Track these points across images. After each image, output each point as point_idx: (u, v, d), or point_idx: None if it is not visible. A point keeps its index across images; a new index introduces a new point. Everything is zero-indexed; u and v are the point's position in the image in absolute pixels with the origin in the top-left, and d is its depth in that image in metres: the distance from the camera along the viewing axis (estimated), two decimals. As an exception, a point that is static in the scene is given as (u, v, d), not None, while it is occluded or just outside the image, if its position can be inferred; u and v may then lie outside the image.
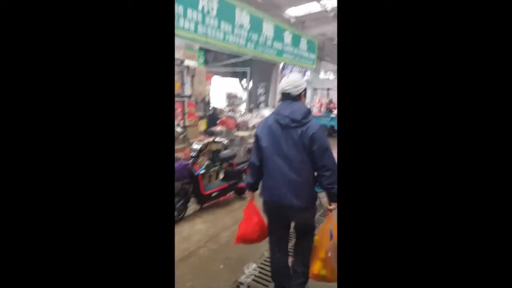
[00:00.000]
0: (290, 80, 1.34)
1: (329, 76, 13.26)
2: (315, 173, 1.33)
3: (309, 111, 1.33)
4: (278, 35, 4.77)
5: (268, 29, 4.41)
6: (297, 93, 1.34)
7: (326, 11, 8.21)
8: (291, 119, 1.28)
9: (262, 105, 7.73)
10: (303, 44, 5.46)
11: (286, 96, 1.34)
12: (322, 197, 1.41)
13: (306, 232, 1.48)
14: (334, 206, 1.32)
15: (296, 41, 5.19)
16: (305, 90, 1.38)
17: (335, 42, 10.69)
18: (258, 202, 1.53)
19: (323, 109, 8.96)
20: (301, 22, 7.62)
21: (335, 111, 8.37)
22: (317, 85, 10.60)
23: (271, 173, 1.35)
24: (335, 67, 15.69)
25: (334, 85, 11.05)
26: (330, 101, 9.38)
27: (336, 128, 7.80)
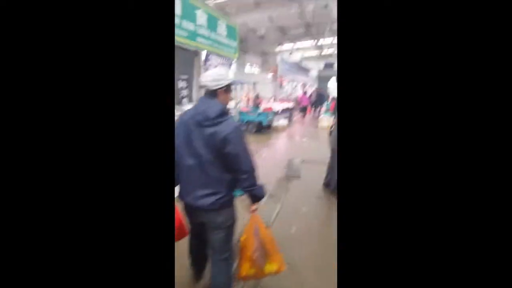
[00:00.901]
0: (211, 73, 1.25)
1: (254, 69, 12.94)
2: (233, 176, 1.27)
3: (224, 110, 1.22)
4: (189, 13, 3.89)
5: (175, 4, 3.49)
6: (214, 88, 1.23)
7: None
8: (204, 117, 1.19)
9: (185, 100, 6.82)
10: (222, 28, 4.70)
11: (206, 91, 1.26)
12: (244, 199, 1.38)
13: (221, 241, 1.37)
14: (256, 207, 1.35)
15: (212, 23, 4.37)
16: (227, 86, 1.26)
17: (258, 33, 10.40)
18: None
19: (250, 104, 8.49)
20: (220, 9, 6.89)
21: (262, 106, 8.00)
22: (243, 79, 10.10)
23: (183, 173, 1.27)
24: (259, 60, 15.74)
25: (260, 79, 10.81)
26: (257, 96, 9.00)
27: (264, 124, 7.44)
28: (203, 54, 5.59)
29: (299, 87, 14.37)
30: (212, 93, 1.22)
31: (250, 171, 1.23)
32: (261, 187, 1.30)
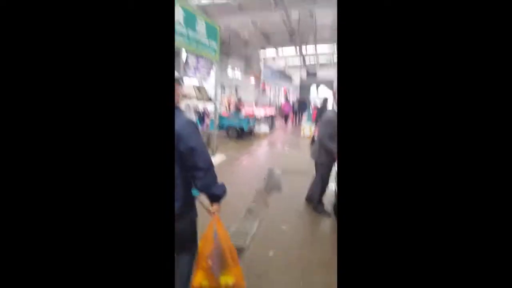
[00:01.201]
0: None
1: (237, 73, 12.69)
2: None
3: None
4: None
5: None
6: None
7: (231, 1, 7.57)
8: None
9: None
10: (201, 27, 4.40)
11: None
12: (202, 200, 1.28)
13: (184, 247, 1.27)
14: (216, 207, 1.24)
15: (190, 21, 4.05)
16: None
17: (242, 37, 10.20)
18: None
19: (232, 108, 8.19)
20: (201, 10, 6.60)
21: (244, 111, 7.74)
22: (225, 82, 9.82)
23: None
24: (242, 64, 15.57)
25: (242, 83, 10.58)
26: (239, 100, 8.73)
27: (245, 129, 7.17)
28: (183, 55, 5.26)
29: (282, 94, 14.33)
30: None
31: (207, 168, 1.14)
32: (220, 185, 1.21)
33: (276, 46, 12.56)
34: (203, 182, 1.14)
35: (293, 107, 11.93)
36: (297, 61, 16.36)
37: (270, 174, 4.18)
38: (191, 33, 4.09)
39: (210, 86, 7.72)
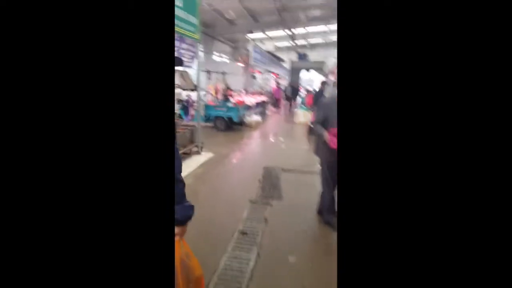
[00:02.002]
0: None
1: (223, 59, 11.72)
2: None
3: None
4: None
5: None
6: None
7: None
8: None
9: None
10: (176, -3, 3.55)
11: None
12: None
13: None
14: (179, 231, 0.97)
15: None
16: None
17: (227, 16, 9.20)
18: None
19: (219, 96, 7.38)
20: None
21: (233, 99, 6.96)
22: (211, 68, 8.92)
23: None
24: (228, 48, 14.51)
25: (231, 68, 9.69)
26: (227, 87, 7.91)
27: (235, 120, 6.43)
28: None
29: (272, 79, 13.47)
30: None
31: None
32: (185, 207, 0.97)
33: (264, 27, 11.61)
34: None
35: (285, 92, 11.15)
36: (286, 43, 15.42)
37: (267, 175, 3.51)
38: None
39: (193, 72, 6.87)
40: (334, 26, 11.44)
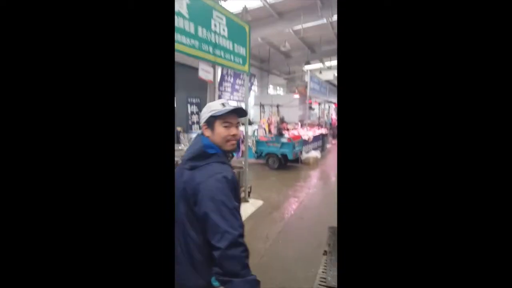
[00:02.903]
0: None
1: (278, 91, 11.42)
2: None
3: (203, 150, 0.89)
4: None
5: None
6: (200, 124, 0.97)
7: (268, 5, 6.41)
8: (185, 157, 0.92)
9: (196, 126, 5.62)
10: (220, 25, 3.16)
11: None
12: None
13: None
14: None
15: (202, 15, 2.84)
16: (209, 119, 0.92)
17: (284, 48, 8.94)
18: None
19: (273, 130, 6.80)
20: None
21: (288, 133, 6.25)
22: (265, 101, 8.56)
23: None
24: (284, 81, 14.29)
25: (286, 100, 9.19)
26: (282, 120, 7.31)
27: (290, 158, 5.64)
28: (219, 74, 4.10)
29: (333, 109, 12.43)
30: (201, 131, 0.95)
31: (224, 246, 0.75)
32: (248, 282, 0.75)
33: (322, 56, 11.04)
34: (220, 268, 0.75)
35: None
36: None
37: (335, 238, 2.51)
38: (204, 32, 2.88)
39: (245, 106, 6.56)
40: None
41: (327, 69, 12.81)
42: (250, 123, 5.34)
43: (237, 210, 0.81)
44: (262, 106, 7.97)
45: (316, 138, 7.15)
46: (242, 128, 6.99)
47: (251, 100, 4.92)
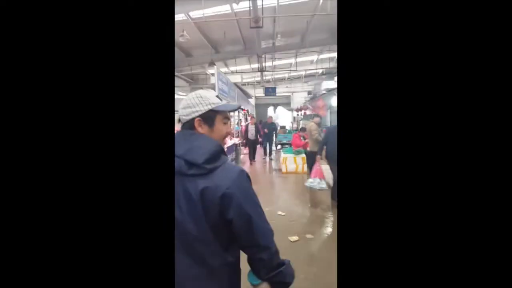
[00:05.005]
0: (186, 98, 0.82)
1: (180, 95, 9.64)
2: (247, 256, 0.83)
3: (218, 149, 0.77)
4: None
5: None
6: (187, 118, 0.81)
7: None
8: (187, 162, 0.74)
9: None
10: None
11: (184, 124, 0.83)
12: None
13: None
14: None
15: None
16: (207, 113, 0.79)
17: (183, 38, 7.28)
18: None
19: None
20: None
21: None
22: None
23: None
24: (187, 84, 12.53)
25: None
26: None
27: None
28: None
29: (242, 117, 11.49)
30: (190, 126, 0.80)
31: (270, 243, 0.77)
32: (288, 265, 0.81)
33: (225, 59, 10.01)
34: (268, 267, 0.77)
35: (262, 130, 9.07)
36: (252, 78, 14.05)
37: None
38: None
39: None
40: (299, 59, 10.38)
41: (231, 73, 11.90)
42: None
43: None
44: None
45: (229, 150, 5.87)
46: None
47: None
